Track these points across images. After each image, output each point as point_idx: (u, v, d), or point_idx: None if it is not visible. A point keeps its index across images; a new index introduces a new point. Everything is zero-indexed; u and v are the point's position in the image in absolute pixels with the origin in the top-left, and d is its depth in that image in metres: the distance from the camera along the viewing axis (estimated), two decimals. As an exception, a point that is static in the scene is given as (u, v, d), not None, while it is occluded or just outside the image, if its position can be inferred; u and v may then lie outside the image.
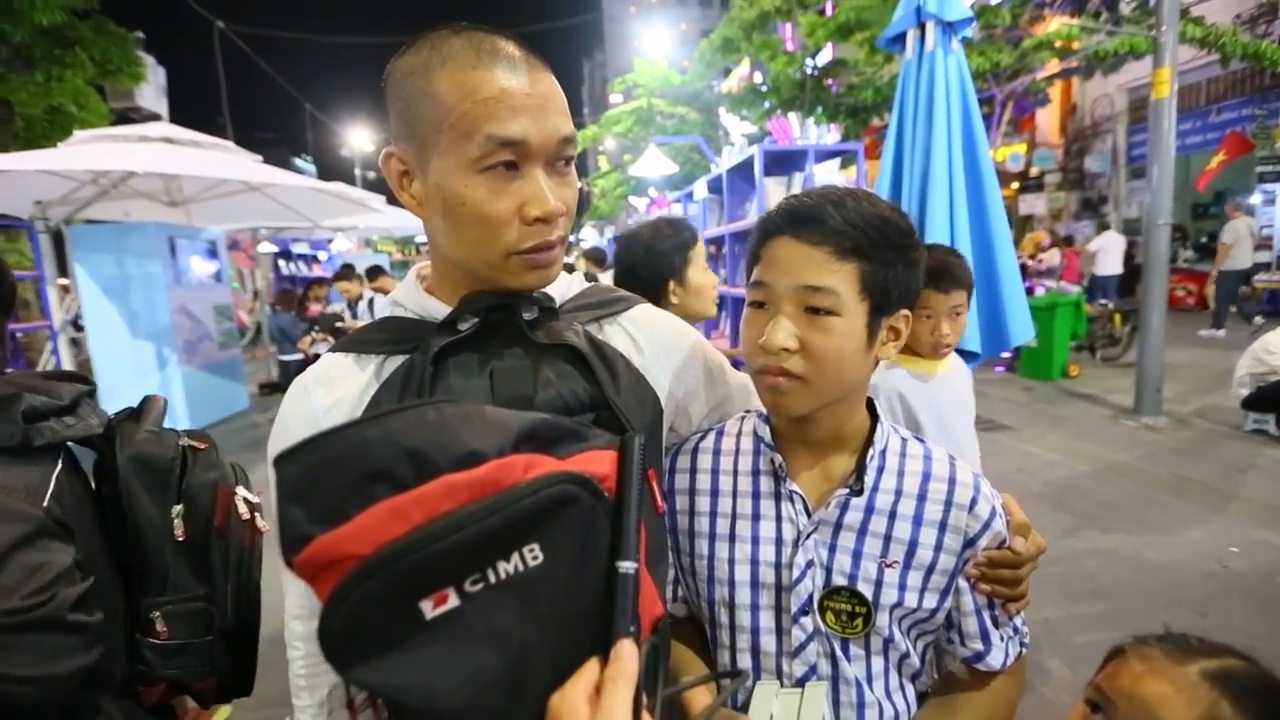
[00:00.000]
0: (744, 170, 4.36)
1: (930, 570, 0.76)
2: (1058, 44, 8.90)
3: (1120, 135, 12.42)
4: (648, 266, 1.60)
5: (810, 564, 0.77)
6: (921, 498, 0.77)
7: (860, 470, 0.77)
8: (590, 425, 0.59)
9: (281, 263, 14.36)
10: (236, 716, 1.22)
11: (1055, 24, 9.11)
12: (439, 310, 0.72)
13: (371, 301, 6.43)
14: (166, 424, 1.05)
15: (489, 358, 0.71)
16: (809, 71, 11.24)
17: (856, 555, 0.76)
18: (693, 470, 0.86)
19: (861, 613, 0.76)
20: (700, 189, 5.27)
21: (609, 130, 15.50)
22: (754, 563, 0.80)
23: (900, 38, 2.61)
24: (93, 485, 0.96)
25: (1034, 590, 0.83)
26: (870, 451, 0.78)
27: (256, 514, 1.04)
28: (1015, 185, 13.27)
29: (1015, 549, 0.78)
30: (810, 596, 0.77)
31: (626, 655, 0.45)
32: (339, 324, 6.48)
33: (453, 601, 0.44)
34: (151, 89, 10.86)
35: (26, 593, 0.74)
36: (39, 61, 7.37)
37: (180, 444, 0.99)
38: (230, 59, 15.04)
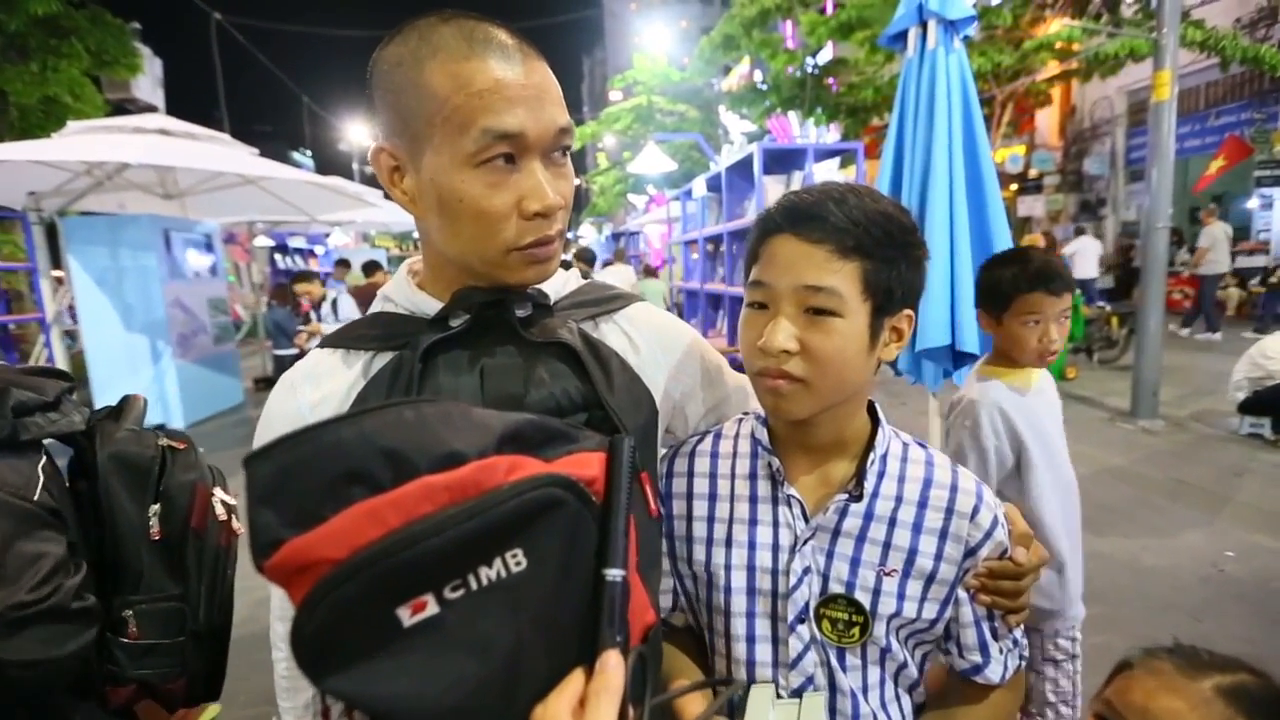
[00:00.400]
0: (743, 168, 4.34)
1: (930, 580, 0.75)
2: (1058, 45, 8.91)
3: (1119, 138, 12.45)
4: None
5: (807, 571, 0.75)
6: (922, 505, 0.75)
7: (860, 475, 0.75)
8: (581, 426, 0.58)
9: (278, 257, 14.33)
10: (226, 715, 1.21)
11: (1056, 25, 9.11)
12: (430, 306, 0.71)
13: (335, 303, 6.17)
14: (159, 418, 1.06)
15: (480, 355, 0.69)
16: (809, 70, 11.23)
17: (855, 563, 0.75)
18: (690, 474, 0.84)
19: (859, 622, 0.74)
20: (699, 187, 5.26)
21: (608, 127, 15.49)
22: (750, 569, 0.78)
23: (902, 35, 2.60)
24: (67, 483, 0.96)
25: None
26: (871, 456, 0.76)
27: (233, 515, 1.05)
28: (1014, 187, 13.29)
29: (1017, 559, 0.76)
30: (807, 604, 0.75)
31: (612, 667, 0.44)
32: (300, 328, 6.20)
33: (432, 608, 0.42)
34: (148, 80, 10.84)
35: (31, 586, 0.77)
36: (34, 51, 7.34)
37: (159, 444, 1.00)
38: (228, 51, 15.02)
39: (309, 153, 36.04)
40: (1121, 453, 4.51)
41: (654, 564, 0.78)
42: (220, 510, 1.03)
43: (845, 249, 0.68)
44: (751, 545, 0.78)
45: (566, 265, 0.85)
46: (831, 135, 12.29)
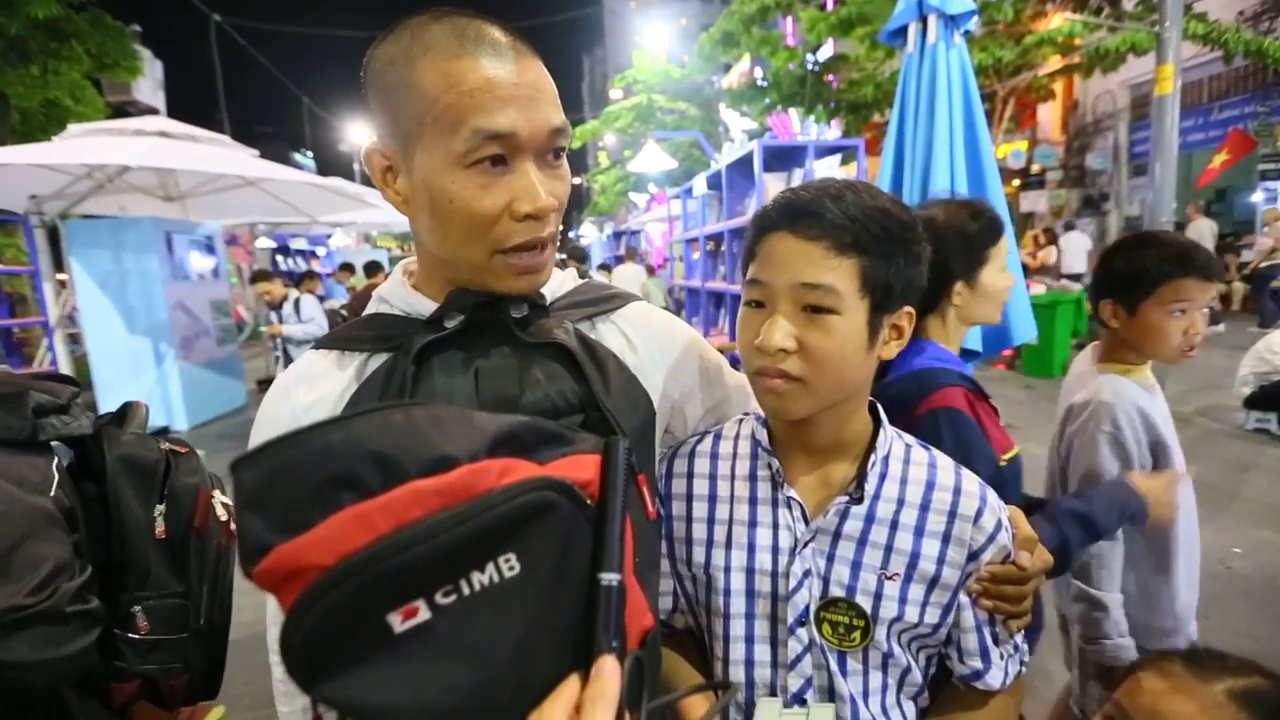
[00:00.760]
0: (743, 166, 4.33)
1: (933, 584, 0.74)
2: (1059, 40, 8.87)
3: (1122, 132, 12.38)
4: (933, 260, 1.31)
5: (807, 574, 0.75)
6: (925, 508, 0.74)
7: (861, 477, 0.75)
8: (577, 428, 0.57)
9: (280, 258, 14.35)
10: (231, 716, 1.22)
11: (1057, 20, 9.07)
12: (425, 307, 0.70)
13: (298, 303, 5.93)
14: (162, 420, 1.11)
15: (475, 356, 0.69)
16: (809, 67, 11.20)
17: (855, 566, 0.74)
18: (689, 475, 0.83)
19: (859, 625, 0.73)
20: (699, 185, 5.25)
21: (609, 126, 15.47)
22: (749, 571, 0.77)
23: (902, 31, 2.59)
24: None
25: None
26: (872, 458, 0.75)
27: (234, 517, 1.07)
28: (1016, 182, 13.23)
29: (1020, 564, 0.75)
30: (807, 607, 0.74)
31: (608, 672, 0.43)
32: (261, 329, 6.08)
33: (423, 614, 0.41)
34: (148, 83, 10.86)
35: (30, 589, 0.79)
36: (35, 54, 7.36)
37: (163, 448, 1.04)
38: (228, 53, 15.03)
39: (310, 154, 36.08)
40: (1126, 449, 4.49)
41: (652, 566, 0.77)
42: (221, 511, 1.07)
43: (842, 246, 0.68)
44: (751, 547, 0.77)
45: (563, 264, 0.84)
46: (832, 132, 12.25)
